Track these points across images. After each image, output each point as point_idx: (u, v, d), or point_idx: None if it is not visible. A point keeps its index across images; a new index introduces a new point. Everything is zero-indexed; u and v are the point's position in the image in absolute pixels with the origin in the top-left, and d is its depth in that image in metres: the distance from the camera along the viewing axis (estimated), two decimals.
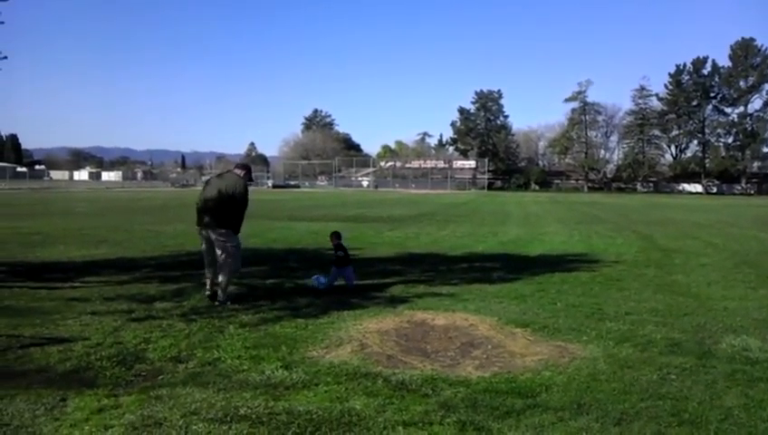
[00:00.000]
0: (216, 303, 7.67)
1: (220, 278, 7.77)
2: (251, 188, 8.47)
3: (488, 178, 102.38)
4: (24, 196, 44.72)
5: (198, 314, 7.05)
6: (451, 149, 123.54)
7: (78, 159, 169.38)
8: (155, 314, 7.08)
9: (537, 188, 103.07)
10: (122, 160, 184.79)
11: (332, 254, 9.00)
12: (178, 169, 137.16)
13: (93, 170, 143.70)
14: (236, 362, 5.32)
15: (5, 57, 10.07)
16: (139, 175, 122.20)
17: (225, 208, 7.80)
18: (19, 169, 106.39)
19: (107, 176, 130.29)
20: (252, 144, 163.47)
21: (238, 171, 8.21)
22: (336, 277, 8.85)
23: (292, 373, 5.03)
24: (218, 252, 7.79)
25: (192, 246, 13.02)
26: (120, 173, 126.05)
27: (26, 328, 6.35)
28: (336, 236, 8.99)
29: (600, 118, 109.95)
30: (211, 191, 7.94)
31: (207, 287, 7.92)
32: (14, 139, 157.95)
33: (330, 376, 4.99)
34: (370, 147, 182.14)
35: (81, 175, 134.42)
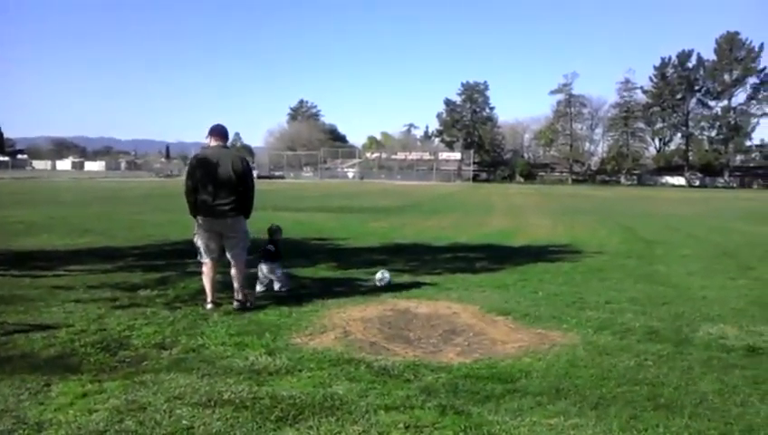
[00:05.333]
0: (249, 304, 6.87)
1: (233, 272, 6.91)
2: None
3: (473, 170, 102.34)
4: (6, 185, 44.27)
5: (182, 302, 7.06)
6: (437, 140, 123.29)
7: (61, 148, 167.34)
8: (139, 301, 7.07)
9: (522, 180, 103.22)
10: (106, 150, 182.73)
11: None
12: (162, 160, 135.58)
13: (76, 160, 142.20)
14: (220, 349, 5.35)
15: None
16: (123, 165, 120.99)
17: (239, 190, 6.73)
18: (1, 158, 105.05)
19: (90, 166, 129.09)
20: (237, 134, 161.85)
21: (219, 142, 6.95)
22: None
23: (276, 359, 5.07)
24: (233, 244, 6.90)
25: (176, 236, 13.02)
26: (104, 163, 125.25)
27: (10, 315, 6.34)
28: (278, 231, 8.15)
29: (585, 110, 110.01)
30: (223, 170, 6.67)
31: (237, 298, 6.82)
32: None
33: (313, 362, 5.03)
34: (356, 138, 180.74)
35: (64, 164, 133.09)
